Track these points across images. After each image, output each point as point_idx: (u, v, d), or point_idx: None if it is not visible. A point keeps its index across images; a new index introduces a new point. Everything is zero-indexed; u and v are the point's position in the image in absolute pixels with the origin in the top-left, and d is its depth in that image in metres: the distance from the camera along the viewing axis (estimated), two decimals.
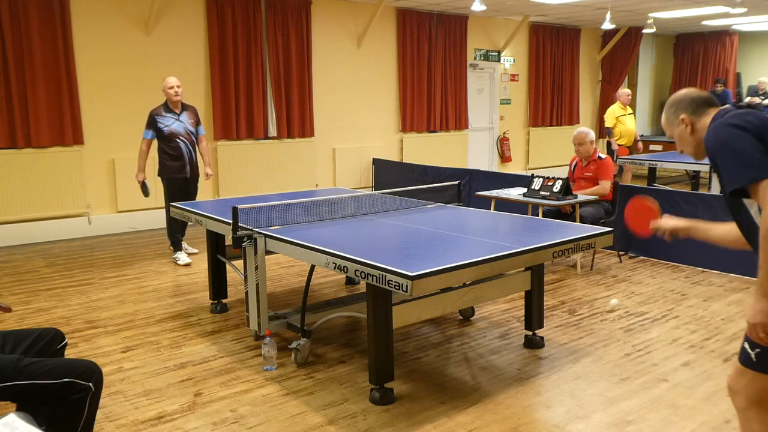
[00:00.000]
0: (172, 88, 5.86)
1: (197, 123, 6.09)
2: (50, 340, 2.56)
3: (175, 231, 6.10)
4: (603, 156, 5.95)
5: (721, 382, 3.44)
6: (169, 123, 5.88)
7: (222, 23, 8.10)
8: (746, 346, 2.08)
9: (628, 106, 9.53)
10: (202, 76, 8.13)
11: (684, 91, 2.33)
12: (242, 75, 8.32)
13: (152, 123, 5.87)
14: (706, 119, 2.23)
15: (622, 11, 10.41)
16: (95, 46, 7.32)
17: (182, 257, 6.07)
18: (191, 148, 6.00)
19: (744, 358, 2.09)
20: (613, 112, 9.45)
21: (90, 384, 2.29)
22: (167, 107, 5.92)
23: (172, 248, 6.23)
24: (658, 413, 3.09)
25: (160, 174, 6.01)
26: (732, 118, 2.09)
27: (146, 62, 7.67)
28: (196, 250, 6.30)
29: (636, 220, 2.71)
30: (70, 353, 3.30)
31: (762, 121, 2.05)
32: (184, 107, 6.01)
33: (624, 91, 9.60)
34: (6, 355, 2.35)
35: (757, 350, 2.04)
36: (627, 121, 9.44)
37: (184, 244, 6.24)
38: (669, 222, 2.52)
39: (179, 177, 5.96)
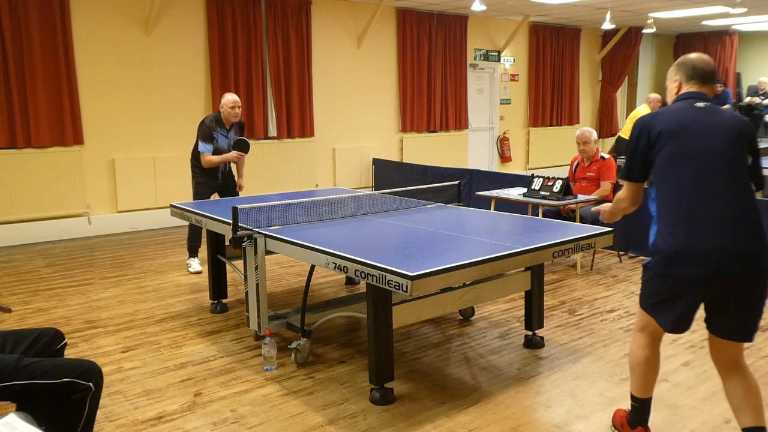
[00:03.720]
0: (233, 108, 5.51)
1: (242, 135, 5.79)
2: (50, 340, 2.56)
3: (195, 238, 5.83)
4: (606, 156, 5.95)
5: (721, 382, 3.43)
6: (219, 139, 5.57)
7: (222, 23, 8.10)
8: None
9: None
10: (202, 76, 8.13)
11: (699, 57, 2.63)
12: (242, 75, 8.33)
13: (210, 137, 5.50)
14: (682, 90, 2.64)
15: (622, 11, 10.41)
16: (95, 46, 7.32)
17: (194, 264, 5.84)
18: (228, 164, 5.76)
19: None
20: (640, 114, 9.67)
21: (90, 384, 2.29)
22: (220, 122, 5.57)
23: (188, 253, 5.96)
24: (658, 413, 3.09)
25: (193, 179, 5.74)
26: None
27: (146, 62, 7.67)
28: (200, 269, 5.80)
29: None
30: (70, 353, 3.30)
31: None
32: (233, 123, 5.68)
33: (655, 96, 9.86)
34: (6, 355, 2.34)
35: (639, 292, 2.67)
36: None
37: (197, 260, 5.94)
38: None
39: (212, 184, 5.76)
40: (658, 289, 2.54)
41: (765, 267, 2.41)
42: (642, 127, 2.57)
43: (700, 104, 2.55)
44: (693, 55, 2.65)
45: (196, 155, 5.63)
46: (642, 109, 9.89)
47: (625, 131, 9.95)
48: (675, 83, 2.67)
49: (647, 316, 2.64)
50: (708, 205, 2.41)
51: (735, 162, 2.44)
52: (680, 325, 2.56)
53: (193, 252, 5.92)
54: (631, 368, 2.76)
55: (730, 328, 2.53)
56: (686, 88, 2.62)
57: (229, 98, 5.56)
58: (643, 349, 2.69)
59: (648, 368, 2.71)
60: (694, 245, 2.40)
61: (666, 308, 2.54)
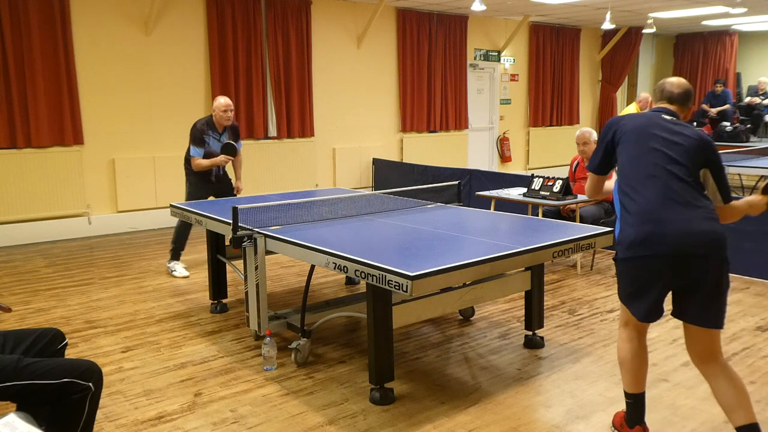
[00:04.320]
0: (225, 111, 5.45)
1: (236, 140, 5.71)
2: (50, 340, 2.56)
3: (180, 240, 5.69)
4: None
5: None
6: (211, 143, 5.51)
7: (222, 23, 8.10)
8: None
9: (644, 111, 9.82)
10: (202, 76, 8.14)
11: (670, 81, 2.84)
12: (242, 75, 8.33)
13: (202, 141, 5.45)
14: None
15: (622, 11, 10.41)
16: (95, 45, 7.33)
17: (179, 269, 5.68)
18: (221, 167, 5.68)
19: None
20: (629, 112, 9.75)
21: (90, 384, 2.29)
22: (212, 126, 5.52)
23: (170, 254, 5.76)
24: (658, 413, 3.09)
25: (186, 181, 5.70)
26: None
27: (146, 62, 7.67)
28: (187, 273, 5.69)
29: None
30: (70, 353, 3.30)
31: None
32: (226, 127, 5.62)
33: (645, 96, 9.88)
34: (6, 355, 2.35)
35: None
36: None
37: (181, 264, 5.78)
38: None
39: (206, 186, 5.71)
40: (631, 279, 2.66)
41: (723, 250, 2.52)
42: (611, 124, 2.83)
43: (666, 116, 2.76)
44: (670, 79, 2.88)
45: (188, 158, 5.60)
46: (631, 108, 9.91)
47: None
48: (650, 102, 2.96)
49: (628, 310, 2.73)
50: (666, 197, 2.56)
51: (689, 170, 2.60)
52: (652, 313, 2.66)
53: (176, 255, 5.72)
54: (621, 364, 2.82)
55: (699, 314, 2.59)
56: (657, 105, 2.88)
57: (221, 102, 5.49)
58: (630, 343, 2.78)
59: (637, 362, 2.77)
60: (656, 230, 2.54)
61: (638, 297, 2.65)
